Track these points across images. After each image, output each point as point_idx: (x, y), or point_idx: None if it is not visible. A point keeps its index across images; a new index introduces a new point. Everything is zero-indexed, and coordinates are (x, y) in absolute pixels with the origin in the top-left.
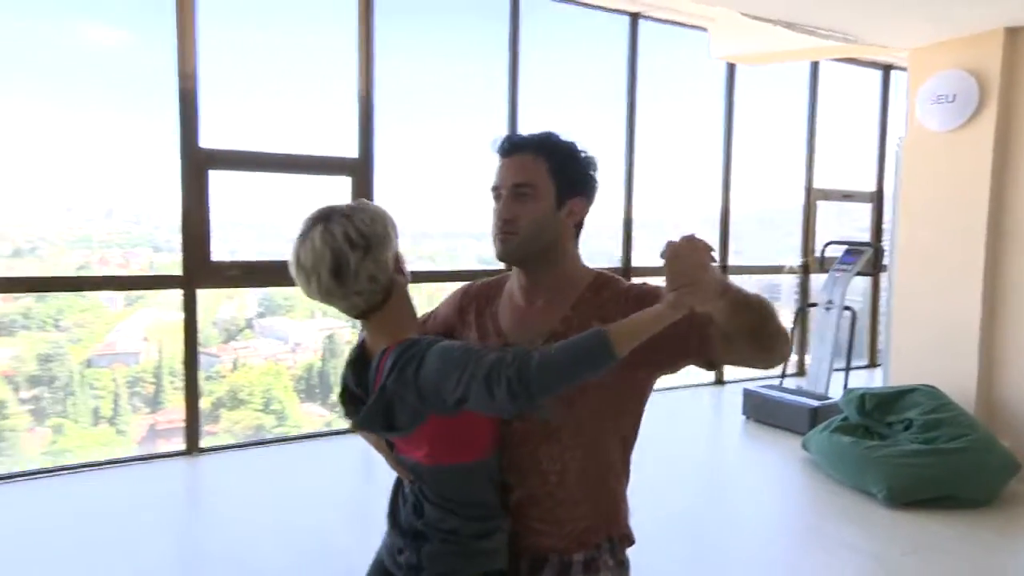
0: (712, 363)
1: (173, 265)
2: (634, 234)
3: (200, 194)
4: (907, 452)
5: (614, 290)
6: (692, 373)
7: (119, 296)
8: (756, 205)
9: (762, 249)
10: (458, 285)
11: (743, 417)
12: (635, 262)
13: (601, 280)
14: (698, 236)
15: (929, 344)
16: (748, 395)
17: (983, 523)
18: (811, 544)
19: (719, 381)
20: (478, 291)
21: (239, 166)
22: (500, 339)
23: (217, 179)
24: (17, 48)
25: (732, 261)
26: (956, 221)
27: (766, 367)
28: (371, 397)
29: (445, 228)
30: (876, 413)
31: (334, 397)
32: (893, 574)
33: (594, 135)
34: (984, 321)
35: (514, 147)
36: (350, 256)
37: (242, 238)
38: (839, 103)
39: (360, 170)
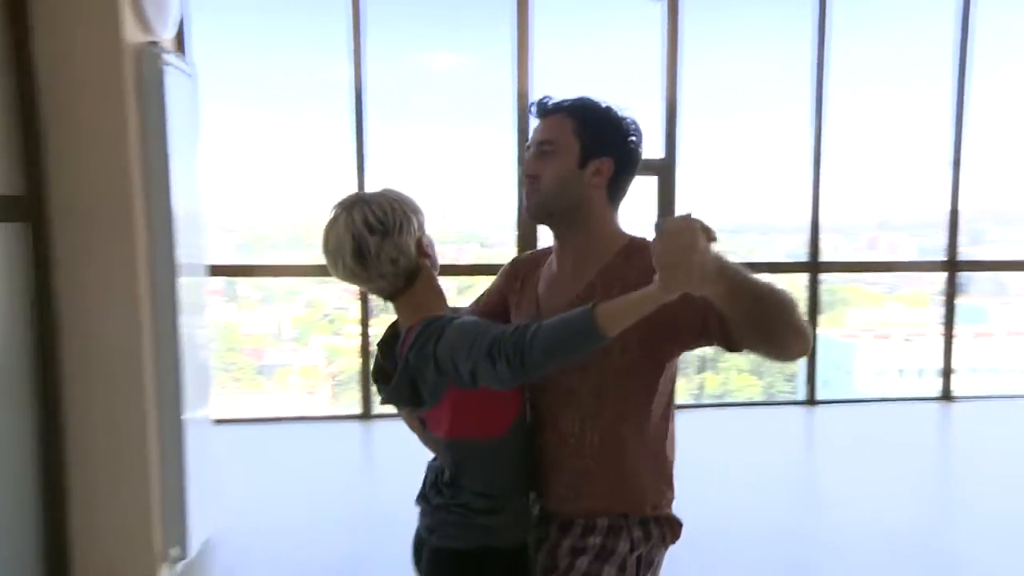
0: (732, 346)
1: (497, 256)
2: (968, 226)
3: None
4: None
5: (644, 256)
6: None
7: (451, 284)
8: None
9: None
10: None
11: None
12: (967, 255)
13: (634, 246)
14: (694, 216)
15: None
16: None
17: None
18: None
19: None
20: (525, 261)
21: None
22: (536, 305)
23: None
24: (384, 80)
25: None
26: None
27: (779, 360)
28: (396, 372)
29: (759, 221)
30: None
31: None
32: None
33: (914, 115)
34: None
35: (545, 110)
36: (369, 240)
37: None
38: None
39: (665, 170)
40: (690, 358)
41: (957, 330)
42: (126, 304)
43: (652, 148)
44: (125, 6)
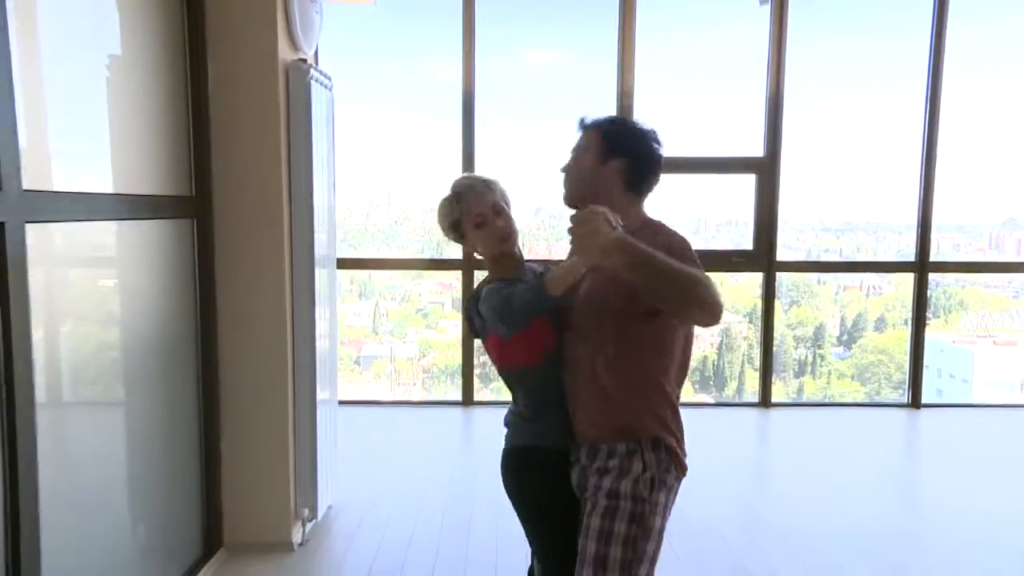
0: (645, 306)
1: None
2: None
3: None
4: None
5: (647, 233)
6: None
7: None
8: None
9: None
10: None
11: None
12: None
13: (649, 223)
14: (597, 207)
15: None
16: None
17: None
18: None
19: None
20: None
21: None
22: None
23: None
24: (490, 77)
25: None
26: None
27: (690, 322)
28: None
29: (870, 219)
30: None
31: (727, 391)
32: None
33: None
34: None
35: (583, 125)
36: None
37: None
38: None
39: (766, 168)
40: (787, 362)
41: None
42: (273, 291)
43: (752, 146)
44: (280, 30)
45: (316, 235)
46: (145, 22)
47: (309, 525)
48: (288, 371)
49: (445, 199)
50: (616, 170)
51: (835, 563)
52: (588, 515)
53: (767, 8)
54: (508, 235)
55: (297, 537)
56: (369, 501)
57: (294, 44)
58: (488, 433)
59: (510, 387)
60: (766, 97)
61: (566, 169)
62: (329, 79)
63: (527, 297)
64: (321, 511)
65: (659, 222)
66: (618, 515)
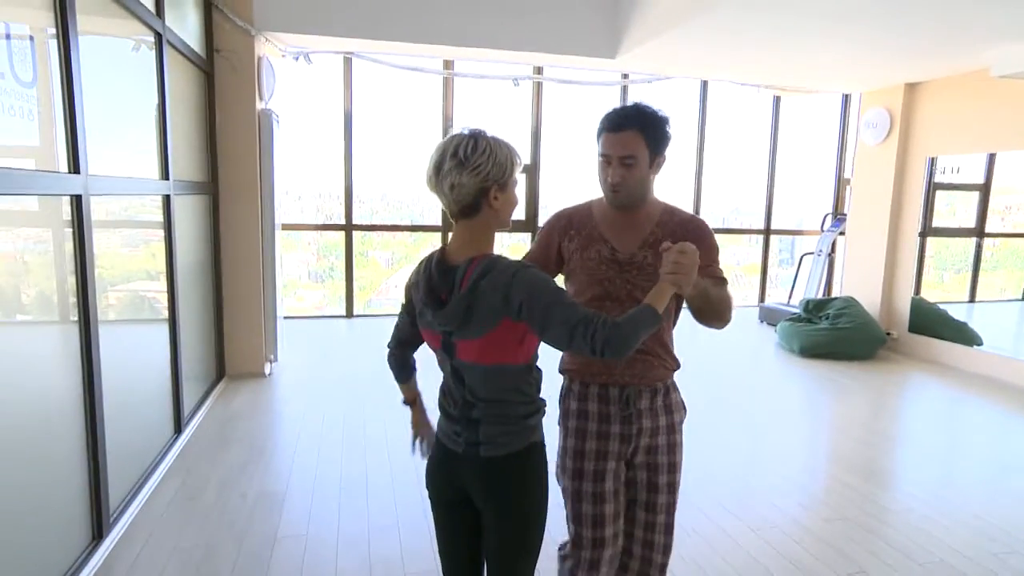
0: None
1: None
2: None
3: None
4: (820, 328)
5: (680, 218)
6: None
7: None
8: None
9: None
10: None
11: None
12: None
13: (668, 208)
14: (693, 246)
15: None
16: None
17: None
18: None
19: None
20: (573, 212)
21: None
22: (608, 245)
23: None
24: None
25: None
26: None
27: (710, 327)
28: (455, 296)
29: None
30: (815, 310)
31: None
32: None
33: None
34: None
35: (620, 124)
36: (448, 162)
37: None
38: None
39: (533, 171)
40: None
41: None
42: (252, 238)
43: (524, 157)
44: (255, 91)
45: (276, 209)
46: (189, 87)
47: (273, 365)
48: (261, 285)
49: (511, 150)
50: (658, 166)
51: None
52: (654, 449)
53: (528, 84)
54: None
55: (267, 371)
56: (304, 362)
57: (262, 98)
58: (367, 334)
59: (492, 385)
60: (531, 129)
61: (619, 181)
62: (278, 117)
63: (641, 325)
64: (279, 359)
65: (675, 207)
66: (677, 448)
